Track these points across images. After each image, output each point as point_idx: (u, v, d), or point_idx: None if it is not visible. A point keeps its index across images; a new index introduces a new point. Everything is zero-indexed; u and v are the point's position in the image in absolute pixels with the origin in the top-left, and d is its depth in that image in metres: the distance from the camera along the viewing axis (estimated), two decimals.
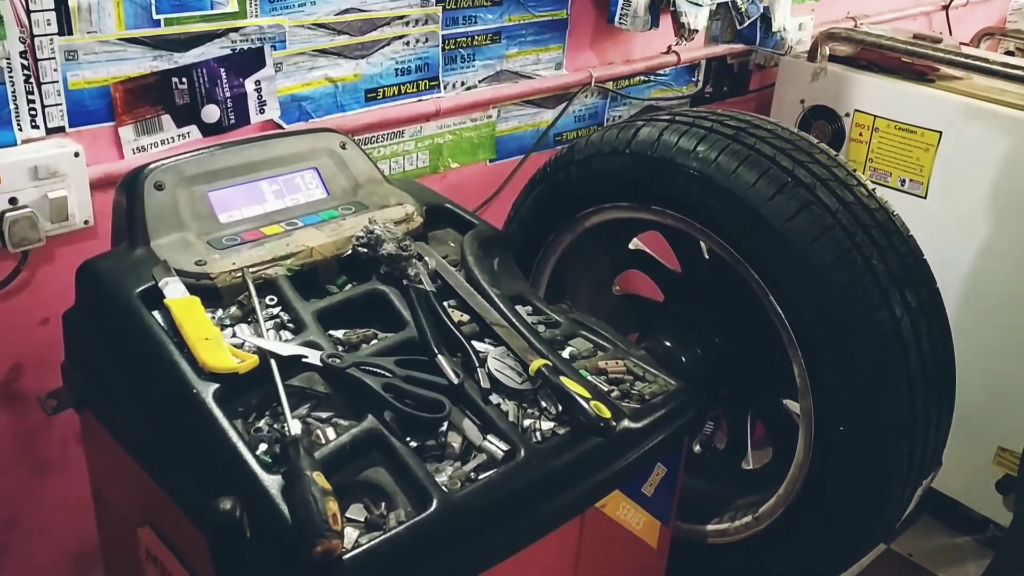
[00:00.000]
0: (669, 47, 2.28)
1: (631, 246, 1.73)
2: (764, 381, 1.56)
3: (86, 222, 1.44)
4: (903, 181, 2.29)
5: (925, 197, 2.26)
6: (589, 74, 2.13)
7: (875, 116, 2.31)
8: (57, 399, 1.23)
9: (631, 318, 1.72)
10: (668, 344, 1.53)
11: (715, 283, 1.58)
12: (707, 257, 1.61)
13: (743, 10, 2.19)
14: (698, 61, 2.42)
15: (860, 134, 2.36)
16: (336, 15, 1.68)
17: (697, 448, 1.76)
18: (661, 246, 1.74)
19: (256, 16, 1.58)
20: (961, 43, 3.09)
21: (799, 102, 2.45)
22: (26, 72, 1.36)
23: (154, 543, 1.15)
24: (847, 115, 2.37)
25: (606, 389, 1.19)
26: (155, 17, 1.46)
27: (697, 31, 2.11)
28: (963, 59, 2.23)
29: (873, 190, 1.38)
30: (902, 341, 1.25)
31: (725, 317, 1.57)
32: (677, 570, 1.55)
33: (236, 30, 1.56)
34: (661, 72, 2.35)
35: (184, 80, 1.53)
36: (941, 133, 2.20)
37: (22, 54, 1.35)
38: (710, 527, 1.54)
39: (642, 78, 2.31)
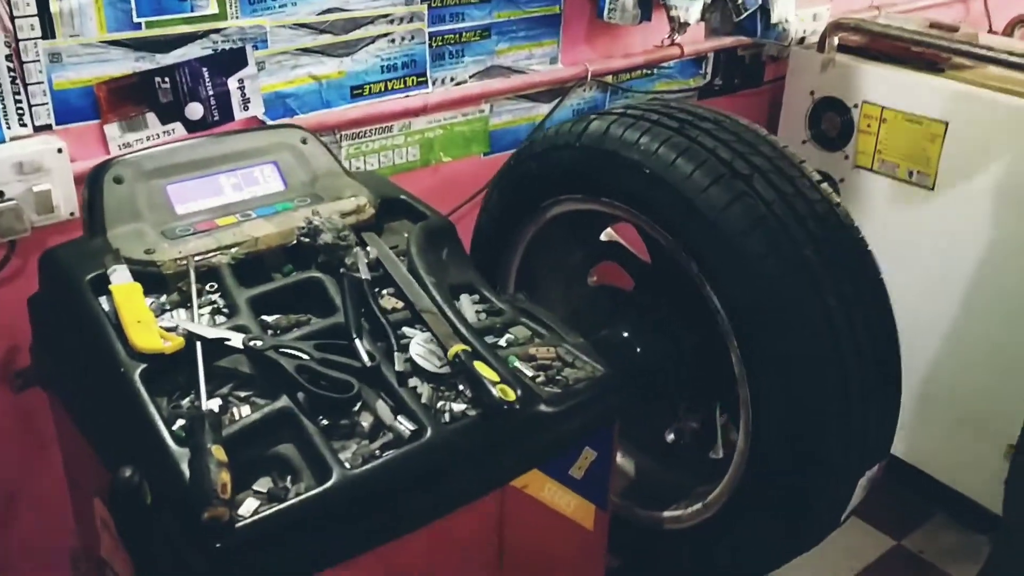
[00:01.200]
0: (667, 39, 2.29)
1: (604, 237, 1.76)
2: (723, 371, 1.57)
3: (72, 214, 1.54)
4: (911, 173, 2.26)
5: (933, 189, 2.22)
6: (585, 68, 2.16)
7: (883, 107, 2.28)
8: (24, 377, 1.33)
9: (605, 309, 1.74)
10: (625, 334, 1.55)
11: (679, 273, 1.60)
12: (664, 245, 1.62)
13: (740, 2, 2.18)
14: (704, 53, 2.42)
15: (868, 125, 2.33)
16: (318, 15, 1.75)
17: (671, 437, 1.77)
18: (637, 236, 1.77)
19: (237, 18, 1.65)
20: (992, 31, 3.01)
21: (809, 94, 2.43)
22: (12, 74, 1.46)
23: (104, 513, 1.23)
24: (855, 106, 2.34)
25: (531, 374, 1.23)
26: (136, 20, 1.55)
27: (688, 24, 2.11)
28: (972, 49, 2.18)
29: (819, 182, 1.38)
30: (834, 331, 1.26)
31: (689, 308, 1.58)
32: (635, 554, 1.58)
33: (217, 31, 1.64)
34: (665, 65, 2.35)
35: (167, 79, 1.62)
36: (947, 124, 2.16)
37: (7, 57, 1.45)
38: (666, 513, 1.56)
39: (645, 71, 2.32)
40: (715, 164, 1.33)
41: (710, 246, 1.32)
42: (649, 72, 2.33)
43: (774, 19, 2.22)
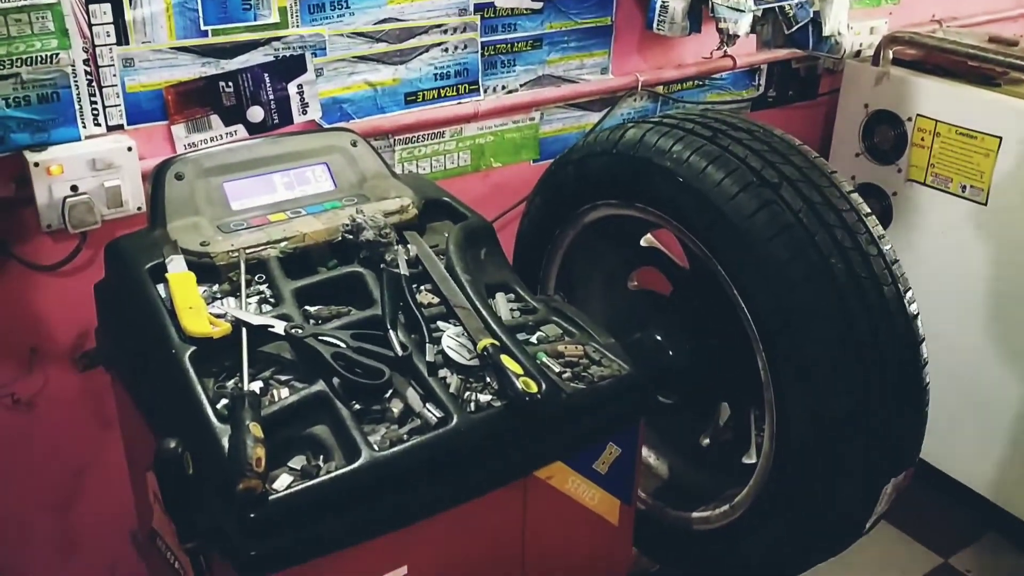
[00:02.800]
0: (724, 52, 2.32)
1: (644, 242, 1.80)
2: (752, 378, 1.60)
3: (139, 208, 1.64)
4: (964, 187, 2.25)
5: (986, 204, 2.21)
6: (636, 78, 2.20)
7: (937, 121, 2.28)
8: (88, 358, 1.43)
9: (643, 312, 1.79)
10: (658, 337, 1.59)
11: (713, 279, 1.63)
12: (695, 251, 1.66)
13: (791, 15, 2.20)
14: (758, 65, 2.44)
15: (922, 139, 2.32)
16: (374, 24, 1.83)
17: (706, 441, 1.80)
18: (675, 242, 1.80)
19: (297, 26, 1.75)
20: None
21: (863, 107, 2.44)
22: (89, 77, 1.57)
23: (156, 486, 1.32)
24: (909, 120, 2.34)
25: (558, 370, 1.28)
26: (203, 28, 1.65)
27: (738, 36, 2.14)
28: None
29: (850, 192, 1.40)
30: (856, 339, 1.28)
31: (723, 313, 1.61)
32: (666, 553, 1.62)
33: (279, 39, 1.74)
34: (718, 76, 2.38)
35: (230, 84, 1.72)
36: (1001, 139, 2.15)
37: (85, 62, 1.56)
38: (695, 514, 1.59)
39: (697, 82, 2.35)
40: (745, 172, 1.36)
41: (737, 252, 1.35)
42: (701, 83, 2.37)
43: (826, 32, 2.23)
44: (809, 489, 1.36)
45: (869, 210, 1.39)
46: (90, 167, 1.57)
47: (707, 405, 1.75)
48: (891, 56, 2.37)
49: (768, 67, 2.47)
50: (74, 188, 1.57)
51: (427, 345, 1.22)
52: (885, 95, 2.38)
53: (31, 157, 1.53)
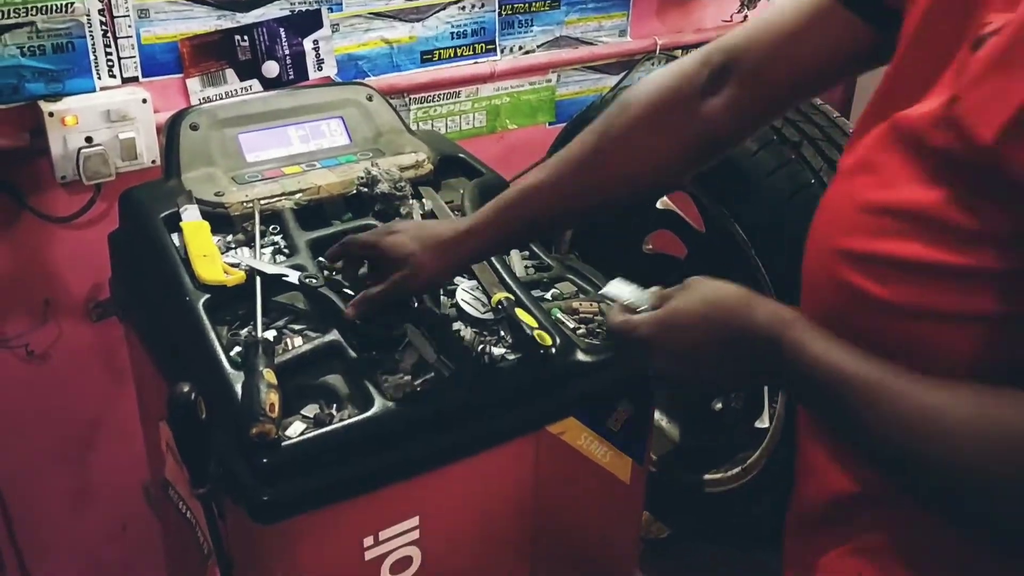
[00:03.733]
0: (744, 16, 2.29)
1: (659, 205, 1.79)
2: None
3: (153, 161, 1.63)
4: None
5: None
6: (654, 41, 2.18)
7: None
8: (103, 308, 1.43)
9: (659, 277, 1.77)
10: None
11: (730, 241, 1.62)
12: (710, 211, 1.65)
13: None
14: None
15: None
16: None
17: (718, 406, 1.80)
18: (692, 205, 1.79)
19: None
20: None
21: (882, 71, 2.40)
22: (104, 28, 1.56)
23: (168, 435, 1.32)
24: None
25: (572, 326, 1.28)
26: None
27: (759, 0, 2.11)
28: None
29: None
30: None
31: (741, 278, 1.60)
32: (677, 516, 1.61)
33: None
34: None
35: (246, 38, 1.70)
36: None
37: (100, 11, 1.55)
38: (708, 476, 1.59)
39: None
40: (765, 131, 1.34)
41: (755, 211, 1.34)
42: None
43: None
44: None
45: None
46: (105, 118, 1.57)
47: None
48: None
49: None
50: (89, 139, 1.56)
51: (441, 297, 1.22)
52: None
53: (46, 107, 1.53)
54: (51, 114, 1.52)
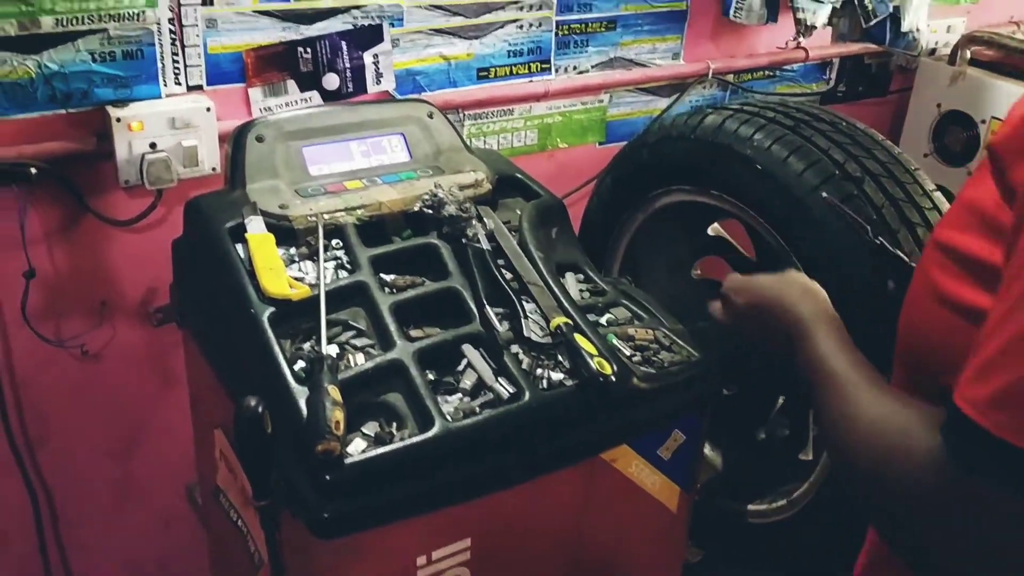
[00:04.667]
0: (790, 41, 2.29)
1: (711, 231, 1.79)
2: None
3: (214, 169, 1.66)
4: None
5: None
6: (707, 65, 2.18)
7: None
8: (163, 313, 1.45)
9: (706, 301, 1.77)
10: (725, 330, 1.58)
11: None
12: (769, 242, 1.65)
13: (870, 8, 2.17)
14: (830, 59, 2.41)
15: None
16: None
17: (762, 435, 1.80)
18: (743, 233, 1.79)
19: None
20: None
21: (935, 106, 2.40)
22: (173, 36, 1.59)
23: (224, 444, 1.34)
24: (983, 122, 2.30)
25: (628, 353, 1.28)
26: None
27: (815, 27, 2.11)
28: None
29: (933, 190, 1.38)
30: None
31: None
32: (719, 543, 1.61)
33: (358, 7, 1.74)
34: (789, 68, 2.36)
35: (308, 50, 1.72)
36: None
37: (170, 20, 1.58)
38: (752, 507, 1.59)
39: (767, 73, 2.33)
40: (827, 164, 1.35)
41: (815, 246, 1.34)
42: (772, 74, 2.34)
43: (904, 28, 2.19)
44: None
45: None
46: (169, 125, 1.59)
47: (765, 398, 1.74)
48: (968, 56, 2.32)
49: (840, 61, 2.43)
50: (153, 145, 1.59)
51: (523, 321, 1.22)
52: (960, 95, 2.34)
53: (114, 112, 1.55)
54: (118, 119, 1.55)
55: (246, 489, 1.28)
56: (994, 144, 0.76)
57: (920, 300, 0.88)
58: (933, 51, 2.45)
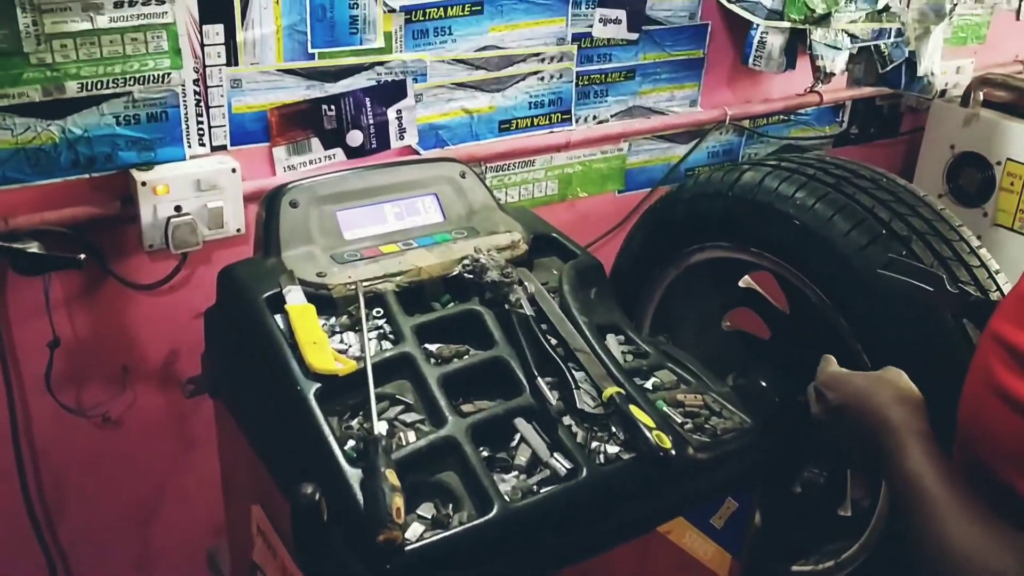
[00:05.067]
0: (809, 88, 2.29)
1: (742, 283, 1.77)
2: None
3: (238, 230, 1.63)
4: None
5: None
6: (724, 112, 2.18)
7: None
8: (195, 384, 1.41)
9: (738, 355, 1.75)
10: (763, 384, 1.56)
11: (820, 326, 1.60)
12: (813, 300, 1.62)
13: (886, 54, 2.17)
14: (843, 102, 2.41)
15: (1011, 184, 2.28)
16: (475, 52, 1.81)
17: (798, 490, 1.76)
18: (774, 284, 1.77)
19: (400, 51, 1.73)
20: None
21: (949, 148, 2.40)
22: (197, 97, 1.56)
23: (263, 520, 1.30)
24: (999, 163, 2.30)
25: (679, 421, 1.25)
26: (310, 51, 1.64)
27: (834, 74, 2.11)
28: None
29: (978, 247, 1.37)
30: None
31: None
32: None
33: (382, 64, 1.72)
34: (802, 112, 2.35)
35: (332, 107, 1.70)
36: None
37: (195, 82, 1.55)
38: (795, 568, 1.55)
39: (781, 117, 2.32)
40: (872, 224, 1.33)
41: (864, 306, 1.32)
42: (786, 118, 2.34)
43: (920, 72, 2.20)
44: None
45: (998, 266, 1.36)
46: (195, 187, 1.56)
47: (801, 454, 1.71)
48: (981, 98, 2.33)
49: (852, 104, 2.43)
50: (178, 208, 1.56)
51: (575, 392, 1.19)
52: (973, 137, 2.34)
53: (139, 176, 1.52)
54: (144, 183, 1.52)
55: (288, 569, 1.24)
56: None
57: (982, 397, 0.88)
58: (944, 92, 2.46)
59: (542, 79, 1.92)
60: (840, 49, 2.05)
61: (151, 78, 1.51)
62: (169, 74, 1.52)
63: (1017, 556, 0.76)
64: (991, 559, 0.78)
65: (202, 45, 1.54)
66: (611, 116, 2.05)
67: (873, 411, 1.01)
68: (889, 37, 2.18)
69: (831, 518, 1.68)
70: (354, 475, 1.07)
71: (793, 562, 1.55)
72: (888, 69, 2.20)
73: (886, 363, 1.31)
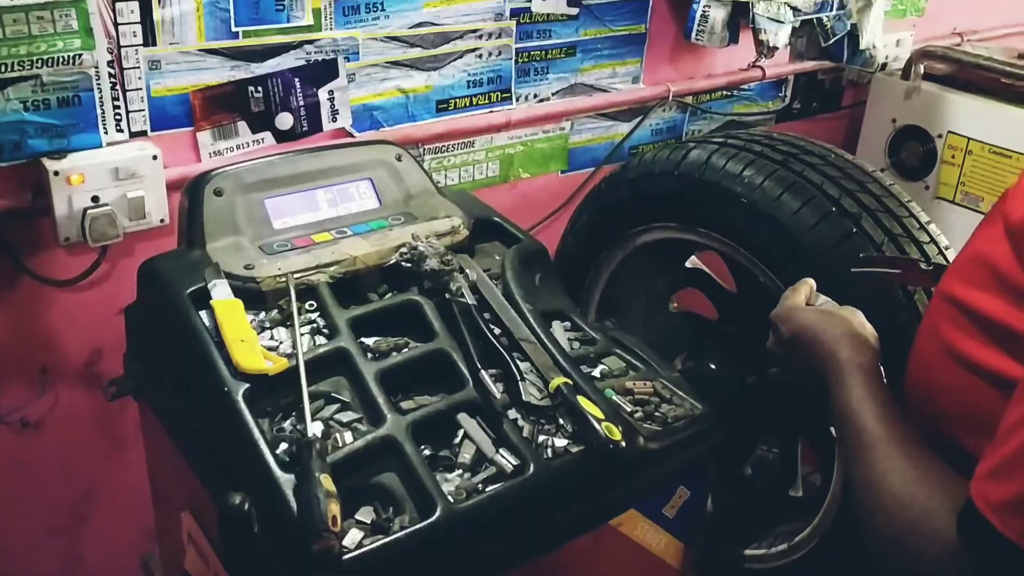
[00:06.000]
0: (752, 63, 2.25)
1: (689, 264, 1.73)
2: (812, 408, 1.53)
3: (162, 220, 1.54)
4: None
5: None
6: (667, 88, 2.13)
7: (969, 138, 2.23)
8: (117, 386, 1.33)
9: (687, 336, 1.72)
10: (712, 366, 1.52)
11: (768, 305, 1.57)
12: (761, 280, 1.59)
13: (828, 27, 2.15)
14: (785, 76, 2.38)
15: (952, 156, 2.28)
16: (409, 28, 1.74)
17: (748, 471, 1.74)
18: (721, 263, 1.74)
19: (331, 29, 1.65)
20: None
21: (890, 121, 2.39)
22: (112, 80, 1.46)
23: (193, 527, 1.23)
24: (940, 136, 2.29)
25: (629, 409, 1.21)
26: (234, 29, 1.55)
27: (777, 48, 2.08)
28: None
29: (928, 223, 1.34)
30: None
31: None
32: None
33: (311, 42, 1.64)
34: (745, 87, 2.32)
35: (260, 89, 1.61)
36: None
37: (109, 63, 1.45)
38: (748, 552, 1.53)
39: (724, 93, 2.29)
40: (822, 201, 1.30)
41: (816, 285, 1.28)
42: (728, 94, 2.30)
43: (862, 45, 2.18)
44: None
45: (948, 242, 1.33)
46: (113, 176, 1.47)
47: (750, 435, 1.68)
48: (922, 71, 2.32)
49: (795, 78, 2.40)
50: (95, 199, 1.46)
51: (521, 384, 1.14)
52: (915, 110, 2.33)
53: (51, 166, 1.42)
54: (56, 173, 1.42)
55: None
56: (1015, 225, 0.77)
57: (931, 355, 0.89)
58: (884, 66, 2.44)
59: (480, 56, 1.85)
60: (783, 23, 2.01)
61: (61, 60, 1.41)
62: (80, 55, 1.42)
63: (946, 496, 0.75)
64: (919, 496, 0.77)
65: (116, 24, 1.44)
66: (552, 94, 1.99)
67: (820, 344, 1.00)
68: (831, 10, 2.16)
69: (782, 499, 1.66)
70: (286, 481, 1.00)
71: (746, 546, 1.52)
72: (831, 42, 2.18)
73: None
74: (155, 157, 1.50)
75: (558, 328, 1.35)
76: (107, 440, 1.67)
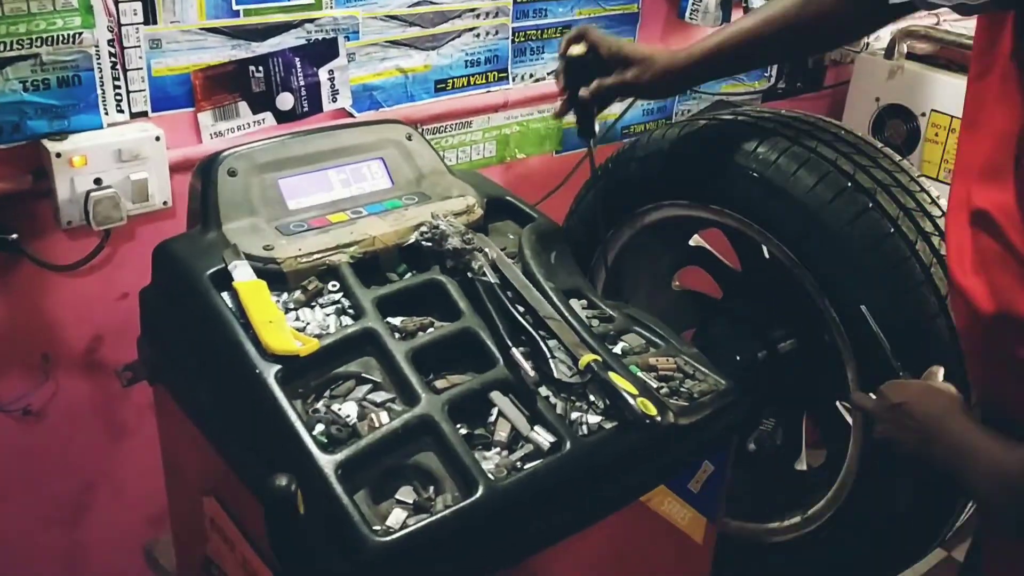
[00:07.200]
0: None
1: (692, 242, 1.74)
2: (819, 382, 1.56)
3: (165, 203, 1.51)
4: None
5: None
6: None
7: (952, 117, 2.27)
8: (132, 372, 1.30)
9: (689, 314, 1.73)
10: (722, 342, 1.53)
11: (774, 283, 1.58)
12: (767, 257, 1.61)
13: None
14: None
15: (936, 135, 2.32)
16: (408, 7, 1.72)
17: (752, 446, 1.76)
18: (724, 242, 1.75)
19: (331, 8, 1.62)
20: None
21: (874, 100, 2.42)
22: (113, 59, 1.43)
23: (218, 512, 1.22)
24: (923, 115, 2.32)
25: (655, 386, 1.21)
26: (235, 8, 1.52)
27: None
28: None
29: (938, 197, 1.36)
30: (958, 352, 1.24)
31: (782, 317, 1.57)
32: (727, 566, 1.56)
33: (312, 21, 1.61)
34: None
35: (260, 68, 1.59)
36: None
37: (109, 42, 1.42)
38: (760, 526, 1.55)
39: None
40: (837, 177, 1.31)
41: (832, 260, 1.30)
42: None
43: None
44: (894, 499, 1.32)
45: None
46: (116, 158, 1.44)
47: (756, 410, 1.70)
48: (905, 50, 2.35)
49: None
50: (98, 181, 1.43)
51: (551, 361, 1.13)
52: (898, 89, 2.36)
53: (52, 147, 1.39)
54: (58, 154, 1.38)
55: (249, 564, 1.16)
56: None
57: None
58: (867, 45, 2.47)
59: (478, 35, 1.84)
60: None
61: (60, 38, 1.37)
62: (80, 34, 1.38)
63: None
64: None
65: (116, 2, 1.41)
66: (548, 74, 1.98)
67: (918, 403, 1.06)
68: None
69: (790, 473, 1.68)
70: (328, 463, 0.99)
71: (758, 520, 1.54)
72: None
73: (854, 319, 1.30)
74: (158, 138, 1.47)
75: (576, 306, 1.34)
76: (109, 428, 1.64)
